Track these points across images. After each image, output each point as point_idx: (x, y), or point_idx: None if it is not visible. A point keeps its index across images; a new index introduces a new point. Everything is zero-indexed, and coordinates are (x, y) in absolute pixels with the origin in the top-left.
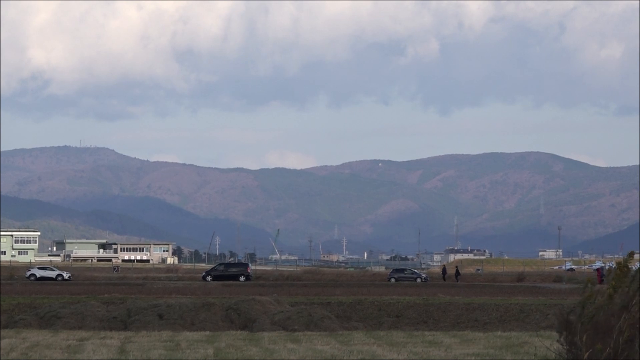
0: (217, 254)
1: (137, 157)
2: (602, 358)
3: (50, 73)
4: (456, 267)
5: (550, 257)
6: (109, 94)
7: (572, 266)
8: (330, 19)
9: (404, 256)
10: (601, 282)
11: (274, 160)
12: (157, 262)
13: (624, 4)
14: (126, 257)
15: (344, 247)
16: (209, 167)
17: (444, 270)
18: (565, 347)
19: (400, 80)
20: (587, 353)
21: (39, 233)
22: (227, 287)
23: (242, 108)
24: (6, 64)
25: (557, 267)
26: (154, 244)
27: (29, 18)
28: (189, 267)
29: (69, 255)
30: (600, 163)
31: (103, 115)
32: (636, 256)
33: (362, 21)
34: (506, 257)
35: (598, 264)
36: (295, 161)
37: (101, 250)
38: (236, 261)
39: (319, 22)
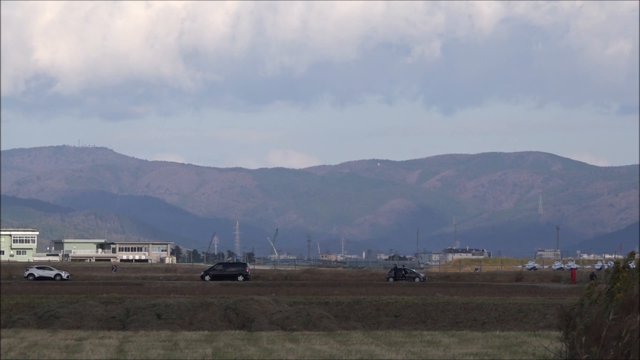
0: (216, 253)
1: (135, 157)
2: (601, 359)
3: (55, 73)
4: (403, 266)
5: (549, 256)
6: (114, 94)
7: (535, 265)
8: (339, 20)
9: (402, 256)
10: (574, 282)
11: (276, 160)
12: (155, 262)
13: (630, 4)
14: (124, 257)
15: (343, 247)
16: (208, 167)
17: (396, 269)
18: (566, 345)
19: (405, 80)
20: (586, 355)
21: (37, 232)
22: (225, 286)
23: (247, 108)
24: (11, 63)
25: (520, 267)
26: (152, 244)
27: (34, 17)
28: (187, 266)
29: (67, 255)
30: (603, 163)
31: (108, 115)
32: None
33: (371, 21)
34: (504, 257)
35: (557, 264)
36: (298, 161)
37: (99, 250)
38: (234, 261)
39: (328, 23)
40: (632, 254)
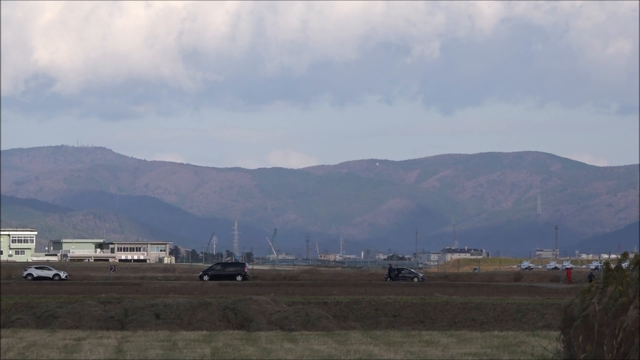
0: (214, 253)
1: (134, 157)
2: (599, 359)
3: (55, 72)
4: (397, 266)
5: (548, 256)
6: (114, 94)
7: (530, 265)
8: (339, 20)
9: (401, 256)
10: (570, 281)
11: (275, 160)
12: (154, 262)
13: (630, 4)
14: (123, 257)
15: (341, 247)
16: (207, 167)
17: (390, 269)
18: (563, 345)
19: (404, 80)
20: (584, 354)
21: (36, 232)
22: (224, 286)
23: (247, 108)
24: (11, 63)
25: (515, 266)
26: (151, 244)
27: (34, 17)
28: (186, 266)
29: (66, 255)
30: (602, 163)
31: (107, 115)
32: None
33: (371, 21)
34: (503, 257)
35: (552, 264)
36: (297, 161)
37: (98, 250)
38: (233, 261)
39: (328, 23)
40: (625, 255)
